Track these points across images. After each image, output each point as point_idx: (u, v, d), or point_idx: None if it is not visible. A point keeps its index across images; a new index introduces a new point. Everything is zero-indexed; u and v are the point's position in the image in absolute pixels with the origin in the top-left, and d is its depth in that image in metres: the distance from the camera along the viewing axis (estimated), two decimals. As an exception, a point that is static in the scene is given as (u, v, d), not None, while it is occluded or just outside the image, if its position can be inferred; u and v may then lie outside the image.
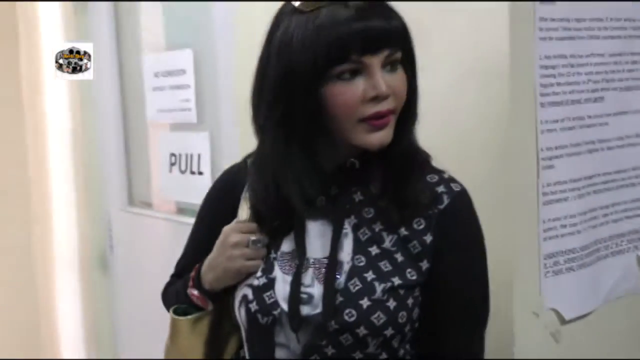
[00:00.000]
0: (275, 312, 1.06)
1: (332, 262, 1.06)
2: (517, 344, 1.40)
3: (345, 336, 1.03)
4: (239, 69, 2.00)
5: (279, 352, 1.07)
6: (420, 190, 1.08)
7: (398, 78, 1.03)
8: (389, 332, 1.03)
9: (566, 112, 1.48)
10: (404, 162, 1.09)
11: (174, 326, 1.20)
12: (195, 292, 1.16)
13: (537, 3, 1.41)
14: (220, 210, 1.19)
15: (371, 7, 1.01)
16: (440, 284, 1.08)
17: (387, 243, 1.07)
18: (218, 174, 2.18)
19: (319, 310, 1.04)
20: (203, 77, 2.23)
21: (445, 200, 1.09)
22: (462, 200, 1.11)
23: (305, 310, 1.04)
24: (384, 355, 1.06)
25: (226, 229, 1.12)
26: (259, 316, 1.06)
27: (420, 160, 1.12)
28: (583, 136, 1.51)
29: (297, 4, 1.02)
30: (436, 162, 1.51)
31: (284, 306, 1.05)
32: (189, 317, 1.17)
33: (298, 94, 1.00)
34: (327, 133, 1.04)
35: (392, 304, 1.04)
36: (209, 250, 1.16)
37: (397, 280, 1.05)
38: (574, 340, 1.51)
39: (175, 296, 1.23)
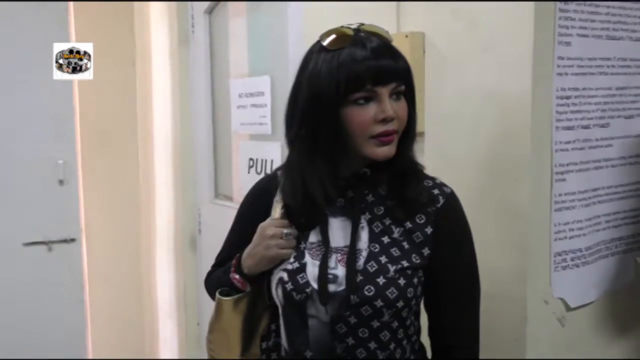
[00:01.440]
0: (307, 290, 1.07)
1: (353, 249, 1.08)
2: (529, 326, 1.36)
3: (365, 308, 1.05)
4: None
5: (311, 322, 1.08)
6: (419, 192, 1.10)
7: (401, 106, 1.07)
8: (400, 304, 1.06)
9: (577, 135, 1.43)
10: (406, 170, 1.11)
11: (219, 305, 1.19)
12: (237, 276, 1.16)
13: (557, 44, 1.36)
14: (255, 212, 1.20)
15: (383, 48, 1.04)
16: (441, 266, 1.10)
17: (396, 234, 1.09)
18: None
19: (343, 287, 1.06)
20: (277, 98, 2.24)
21: (441, 200, 1.12)
22: (453, 200, 1.14)
23: (331, 288, 1.06)
24: (396, 323, 1.08)
25: (264, 224, 1.13)
26: (294, 294, 1.08)
27: (417, 169, 1.14)
28: (591, 155, 1.47)
29: (324, 43, 1.05)
30: (467, 174, 1.49)
31: (314, 285, 1.07)
32: (232, 297, 1.17)
33: (323, 115, 1.03)
34: (345, 147, 1.06)
35: (402, 281, 1.06)
36: (245, 244, 1.16)
37: (405, 263, 1.07)
38: (578, 325, 1.46)
39: (217, 281, 1.23)
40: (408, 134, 1.10)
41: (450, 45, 1.50)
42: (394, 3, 1.59)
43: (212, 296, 1.24)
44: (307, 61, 1.08)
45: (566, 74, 1.39)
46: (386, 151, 1.06)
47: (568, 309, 1.43)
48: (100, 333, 3.13)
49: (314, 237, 1.11)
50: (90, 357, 3.05)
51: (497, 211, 1.41)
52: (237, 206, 2.52)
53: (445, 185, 1.15)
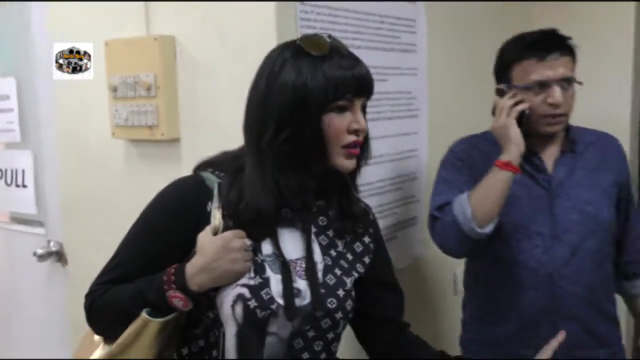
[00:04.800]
0: (273, 307, 1.02)
1: (311, 261, 1.07)
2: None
3: (325, 320, 1.06)
4: (58, 96, 1.84)
5: (268, 340, 1.04)
6: (355, 204, 1.14)
7: (364, 119, 1.07)
8: (351, 314, 1.11)
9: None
10: (348, 183, 1.12)
11: (142, 328, 1.02)
12: (179, 294, 1.01)
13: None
14: (179, 222, 1.05)
15: (360, 60, 1.05)
16: (375, 271, 1.17)
17: (340, 247, 1.13)
18: (41, 187, 2.03)
19: (307, 301, 1.04)
20: (25, 102, 2.04)
21: (370, 211, 1.19)
22: (373, 211, 1.23)
23: (296, 302, 1.03)
24: (341, 333, 1.13)
25: (226, 235, 1.01)
26: (258, 311, 1.01)
27: (350, 182, 1.14)
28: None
29: (306, 48, 1.02)
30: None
31: (280, 301, 1.02)
32: (167, 317, 1.02)
33: (308, 120, 1.01)
34: (322, 154, 1.04)
35: (354, 292, 1.11)
36: (162, 259, 1.04)
37: (355, 274, 1.12)
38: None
39: (129, 300, 1.04)
40: (363, 147, 1.10)
41: (201, 52, 1.48)
42: (142, 4, 1.53)
43: (110, 318, 1.06)
44: (278, 64, 1.03)
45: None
46: (352, 164, 1.07)
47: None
48: None
49: (266, 248, 1.05)
50: None
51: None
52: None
53: (361, 199, 1.19)
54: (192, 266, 1.01)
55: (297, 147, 1.02)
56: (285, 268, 1.04)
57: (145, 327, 1.02)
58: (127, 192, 1.69)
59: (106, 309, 1.06)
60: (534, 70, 1.38)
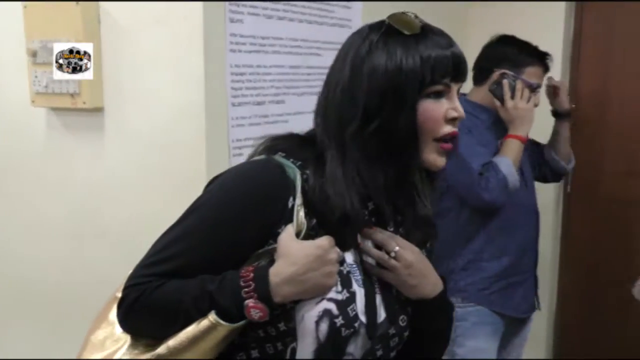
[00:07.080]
0: (356, 324, 0.89)
1: None
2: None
3: (395, 339, 0.94)
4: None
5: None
6: (425, 210, 0.97)
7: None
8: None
9: (253, 111, 1.49)
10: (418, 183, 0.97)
11: (209, 330, 0.86)
12: (260, 305, 0.85)
13: (228, 21, 1.38)
14: (262, 215, 0.88)
15: (450, 37, 0.91)
16: None
17: None
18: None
19: (382, 318, 0.92)
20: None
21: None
22: None
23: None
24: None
25: (323, 243, 0.87)
26: (343, 329, 0.88)
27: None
28: (269, 130, 1.51)
29: (398, 27, 0.88)
30: (146, 149, 1.45)
31: (363, 318, 0.90)
32: (240, 323, 0.85)
33: (401, 107, 0.87)
34: (417, 145, 0.89)
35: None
36: (233, 255, 0.88)
37: None
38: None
39: (192, 301, 0.86)
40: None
41: (125, 16, 1.43)
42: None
43: (162, 317, 0.89)
44: (365, 48, 0.88)
45: (240, 50, 1.42)
46: (444, 162, 0.92)
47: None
48: None
49: (348, 256, 0.91)
50: None
51: (176, 187, 1.40)
52: None
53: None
54: (277, 274, 0.86)
55: (387, 140, 0.88)
56: (369, 281, 0.92)
57: (213, 331, 0.86)
58: (50, 163, 1.63)
59: (159, 306, 0.89)
60: (539, 76, 1.78)
